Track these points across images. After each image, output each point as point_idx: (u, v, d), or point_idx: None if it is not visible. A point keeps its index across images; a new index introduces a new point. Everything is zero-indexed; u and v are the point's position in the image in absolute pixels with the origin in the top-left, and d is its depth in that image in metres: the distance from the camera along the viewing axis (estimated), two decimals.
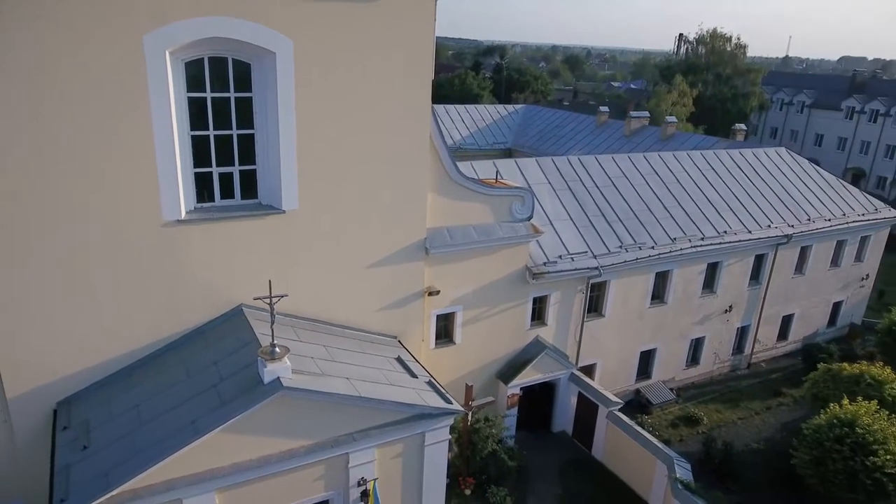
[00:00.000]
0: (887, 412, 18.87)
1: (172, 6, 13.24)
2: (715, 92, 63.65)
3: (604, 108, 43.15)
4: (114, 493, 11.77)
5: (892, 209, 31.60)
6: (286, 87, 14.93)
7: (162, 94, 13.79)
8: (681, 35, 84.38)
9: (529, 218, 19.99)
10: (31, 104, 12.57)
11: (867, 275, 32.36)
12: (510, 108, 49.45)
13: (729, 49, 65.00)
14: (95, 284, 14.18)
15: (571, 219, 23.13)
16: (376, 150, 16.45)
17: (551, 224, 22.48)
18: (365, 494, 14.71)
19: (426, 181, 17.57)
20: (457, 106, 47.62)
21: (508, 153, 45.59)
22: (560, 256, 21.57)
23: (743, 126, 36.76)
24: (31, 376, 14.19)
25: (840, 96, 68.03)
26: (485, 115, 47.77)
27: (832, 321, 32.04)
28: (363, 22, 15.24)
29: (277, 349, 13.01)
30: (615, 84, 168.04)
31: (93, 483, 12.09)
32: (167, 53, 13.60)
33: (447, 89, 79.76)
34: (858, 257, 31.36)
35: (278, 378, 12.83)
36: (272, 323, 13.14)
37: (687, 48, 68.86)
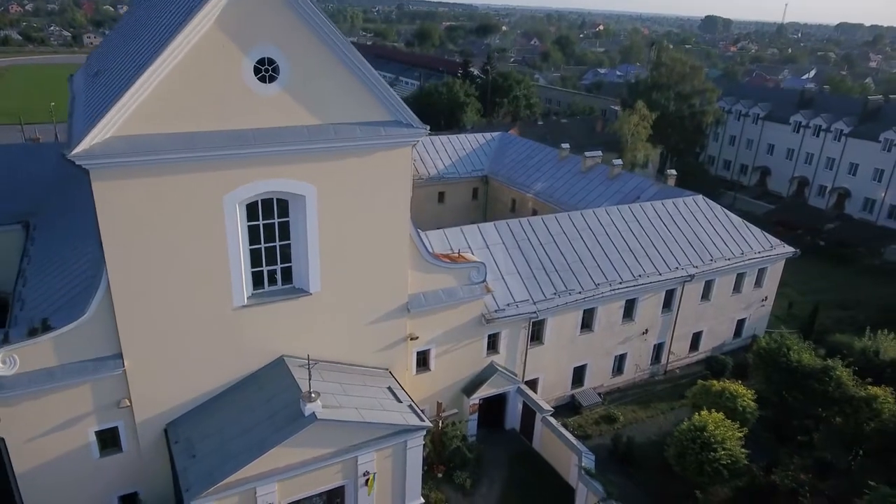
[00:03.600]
0: (731, 421, 26.85)
1: (242, 177, 20.70)
2: (675, 109, 70.77)
3: (565, 145, 50.39)
4: (218, 485, 19.65)
5: (785, 245, 39.25)
6: (312, 214, 22.44)
7: (232, 226, 21.33)
8: (653, 43, 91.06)
9: (483, 281, 27.66)
10: (156, 238, 20.06)
11: (766, 297, 40.20)
12: (487, 136, 56.49)
13: (687, 71, 71.86)
14: (191, 347, 21.88)
15: (518, 272, 30.83)
16: (372, 248, 24.00)
17: (503, 278, 30.19)
18: (366, 483, 22.71)
19: (407, 264, 25.15)
20: (440, 136, 54.70)
21: (485, 179, 53.00)
22: (508, 304, 29.34)
23: (673, 171, 44.03)
24: (151, 407, 22.01)
25: (791, 110, 75.19)
26: (465, 143, 54.89)
27: (738, 334, 39.99)
28: (363, 169, 22.67)
29: (313, 394, 20.79)
30: (601, 71, 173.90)
31: (203, 479, 19.99)
32: (236, 203, 21.09)
33: (435, 97, 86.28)
34: (758, 283, 39.18)
35: (313, 413, 20.59)
36: (310, 378, 20.87)
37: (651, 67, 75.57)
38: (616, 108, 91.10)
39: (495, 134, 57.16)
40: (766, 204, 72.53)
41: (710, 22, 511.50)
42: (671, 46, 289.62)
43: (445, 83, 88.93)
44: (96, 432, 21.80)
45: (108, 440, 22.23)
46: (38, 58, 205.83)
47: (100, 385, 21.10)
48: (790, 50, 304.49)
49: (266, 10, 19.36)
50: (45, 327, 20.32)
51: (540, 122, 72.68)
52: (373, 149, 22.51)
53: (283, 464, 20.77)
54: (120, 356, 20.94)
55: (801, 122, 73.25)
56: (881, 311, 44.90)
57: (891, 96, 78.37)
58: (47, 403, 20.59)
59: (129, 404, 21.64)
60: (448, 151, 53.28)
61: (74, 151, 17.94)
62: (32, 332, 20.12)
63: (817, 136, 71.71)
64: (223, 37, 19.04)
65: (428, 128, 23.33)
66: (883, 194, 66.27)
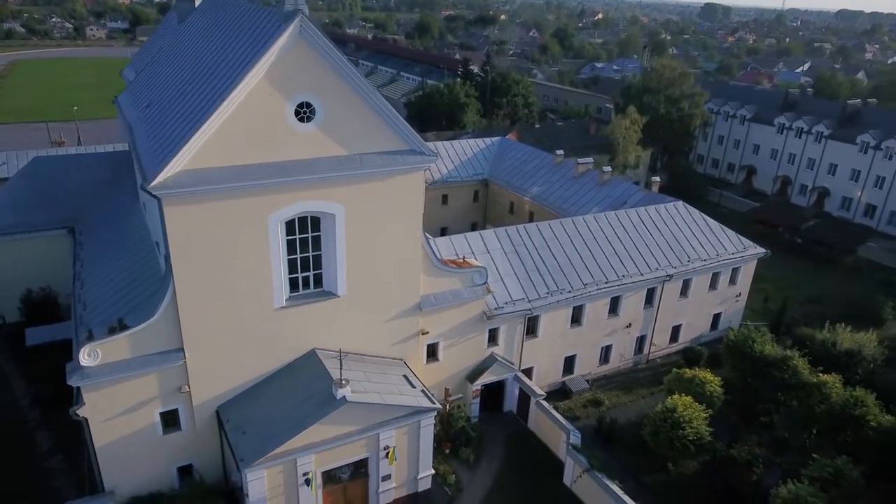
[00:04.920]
0: (699, 404, 31.06)
1: (284, 200, 24.74)
2: (665, 112, 74.63)
3: (559, 151, 54.38)
4: (266, 455, 23.86)
5: (757, 247, 43.31)
6: (340, 229, 26.49)
7: (275, 240, 25.39)
8: (645, 47, 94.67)
9: (484, 283, 31.76)
10: (214, 251, 24.12)
11: (740, 293, 44.35)
12: (487, 141, 60.34)
13: (676, 77, 75.68)
14: (240, 342, 26.00)
15: (515, 274, 34.95)
16: (390, 256, 28.06)
17: (501, 279, 34.30)
18: (386, 455, 26.94)
19: (419, 270, 29.24)
20: (445, 143, 58.55)
21: (485, 183, 56.96)
22: (506, 303, 33.48)
23: (657, 178, 48.10)
24: (206, 392, 26.19)
25: (775, 112, 79.06)
26: (466, 148, 58.72)
27: (714, 326, 44.16)
28: (383, 191, 26.69)
29: (343, 381, 24.93)
30: (598, 65, 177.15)
31: (254, 451, 24.20)
32: (279, 221, 25.14)
33: (437, 98, 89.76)
34: (732, 281, 43.30)
35: (344, 396, 24.72)
36: (341, 367, 25.02)
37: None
38: (610, 106, 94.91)
39: (495, 139, 60.99)
40: (751, 202, 76.67)
41: (710, 9, 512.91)
42: (669, 37, 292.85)
43: (447, 84, 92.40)
44: (160, 413, 25.96)
45: (170, 420, 26.38)
46: (43, 51, 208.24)
47: (164, 374, 25.22)
48: (788, 39, 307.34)
49: (306, 64, 23.30)
50: (122, 326, 24.44)
51: (537, 125, 76.46)
52: (391, 174, 26.53)
53: (319, 439, 24.94)
54: (181, 350, 25.06)
55: (784, 124, 77.23)
56: (848, 306, 49.11)
57: (869, 100, 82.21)
58: (122, 389, 24.73)
59: (188, 390, 25.78)
60: (451, 156, 57.12)
61: (152, 184, 21.95)
62: (112, 331, 24.26)
63: (799, 137, 75.74)
64: (271, 87, 23.00)
65: (437, 155, 27.33)
66: (859, 194, 70.41)
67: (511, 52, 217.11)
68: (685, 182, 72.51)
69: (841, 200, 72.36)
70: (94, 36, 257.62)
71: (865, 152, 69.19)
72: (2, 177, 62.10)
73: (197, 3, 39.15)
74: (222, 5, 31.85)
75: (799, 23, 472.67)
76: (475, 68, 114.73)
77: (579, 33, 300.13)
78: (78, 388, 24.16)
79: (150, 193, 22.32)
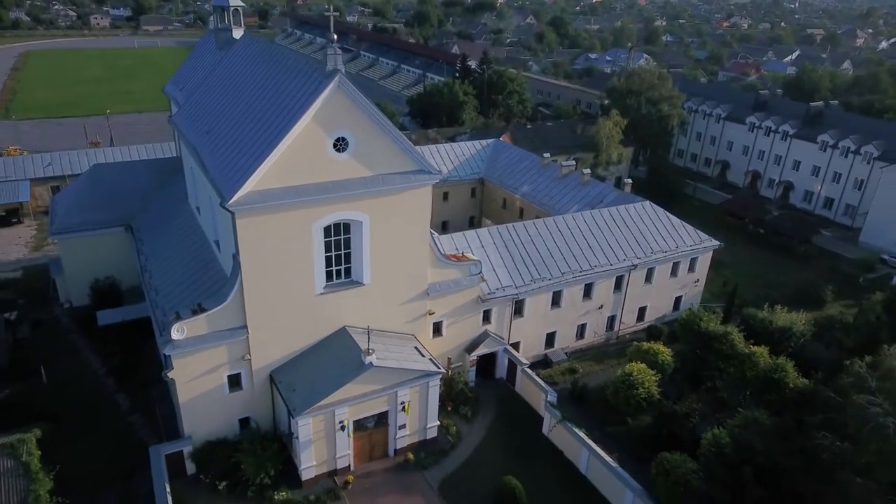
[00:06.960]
0: (651, 370, 38.66)
1: (323, 212, 32.05)
2: (646, 112, 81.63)
3: (546, 154, 61.51)
4: (312, 407, 31.42)
5: (713, 240, 50.70)
6: (366, 232, 33.83)
7: (317, 243, 32.74)
8: (631, 47, 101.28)
9: (479, 273, 39.21)
10: (271, 251, 31.46)
11: (698, 279, 51.82)
12: (483, 142, 67.44)
13: (655, 80, 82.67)
14: (289, 320, 33.40)
15: (505, 265, 42.40)
16: (404, 253, 35.39)
17: (493, 270, 41.75)
18: (403, 409, 34.55)
19: (427, 263, 36.62)
20: (445, 144, 65.61)
21: (481, 181, 64.18)
22: (497, 289, 40.96)
23: (629, 180, 55.38)
24: (263, 359, 33.70)
25: (747, 112, 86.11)
26: (465, 150, 65.81)
27: (676, 307, 51.67)
28: (399, 202, 33.95)
29: (370, 351, 32.42)
30: (592, 56, 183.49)
31: (302, 403, 31.77)
32: (319, 227, 32.47)
33: (437, 97, 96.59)
34: (691, 268, 50.75)
35: (370, 362, 32.21)
36: (368, 340, 32.51)
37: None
38: (599, 101, 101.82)
39: (490, 141, 68.11)
40: (724, 194, 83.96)
41: None
42: (664, 23, 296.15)
43: (447, 83, 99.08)
44: (228, 376, 33.42)
45: (234, 382, 33.84)
46: (51, 41, 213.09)
47: (232, 346, 32.67)
48: (783, 24, 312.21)
49: (342, 109, 30.50)
50: (201, 309, 31.85)
51: (529, 126, 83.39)
52: (406, 189, 33.81)
53: (351, 395, 32.49)
54: (245, 327, 32.50)
55: (755, 123, 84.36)
56: (794, 290, 56.72)
57: (831, 102, 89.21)
58: (200, 358, 32.17)
59: (249, 358, 33.28)
60: (451, 157, 64.27)
61: (229, 203, 29.26)
62: (194, 312, 31.67)
63: (768, 135, 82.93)
64: (316, 127, 30.22)
65: (441, 172, 34.63)
66: (819, 188, 77.79)
67: (508, 40, 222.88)
68: (663, 176, 79.73)
69: (804, 194, 79.79)
70: (98, 24, 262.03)
71: (825, 150, 76.47)
72: (48, 175, 69.73)
73: (236, 35, 46.08)
74: (267, 51, 38.87)
75: (796, 4, 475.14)
76: (473, 64, 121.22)
77: (576, 18, 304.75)
78: (168, 356, 31.56)
79: (226, 209, 29.62)
